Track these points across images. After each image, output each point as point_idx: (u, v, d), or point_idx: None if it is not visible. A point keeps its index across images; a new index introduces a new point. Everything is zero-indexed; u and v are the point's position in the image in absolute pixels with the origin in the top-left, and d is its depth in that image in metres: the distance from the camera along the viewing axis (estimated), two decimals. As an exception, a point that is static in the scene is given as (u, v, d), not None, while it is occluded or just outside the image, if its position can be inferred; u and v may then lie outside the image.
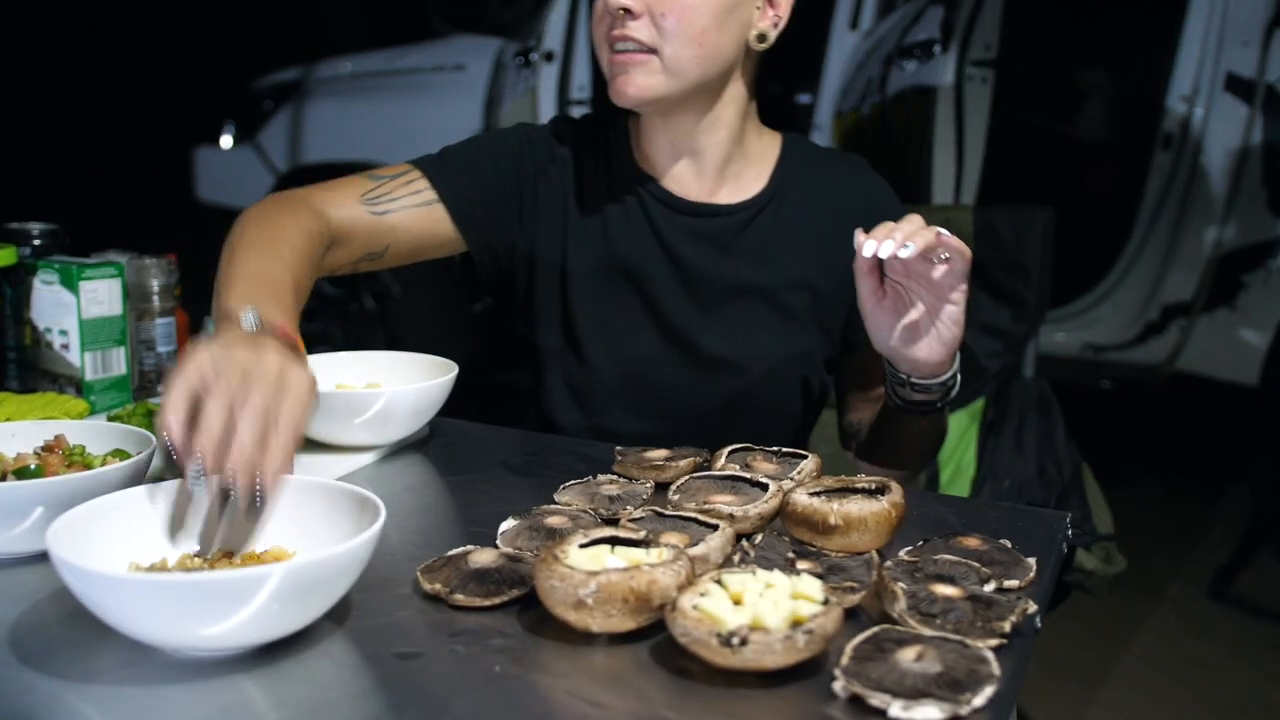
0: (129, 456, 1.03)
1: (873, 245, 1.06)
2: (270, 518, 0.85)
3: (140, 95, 8.64)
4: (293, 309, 1.08)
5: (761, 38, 1.31)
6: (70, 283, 1.41)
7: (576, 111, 3.46)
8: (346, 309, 4.59)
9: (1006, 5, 2.92)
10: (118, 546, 0.85)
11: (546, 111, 3.49)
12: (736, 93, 1.35)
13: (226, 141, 5.13)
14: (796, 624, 0.74)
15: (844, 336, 1.43)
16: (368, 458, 1.24)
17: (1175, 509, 3.78)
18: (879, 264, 1.13)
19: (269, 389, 0.86)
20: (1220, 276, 3.44)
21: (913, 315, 1.15)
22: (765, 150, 1.42)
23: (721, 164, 1.38)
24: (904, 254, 1.04)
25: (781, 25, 1.33)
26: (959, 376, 1.24)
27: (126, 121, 8.50)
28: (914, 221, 1.08)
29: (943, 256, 1.08)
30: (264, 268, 1.10)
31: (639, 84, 1.26)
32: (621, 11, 1.23)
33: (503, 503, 1.10)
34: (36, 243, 1.53)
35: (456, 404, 1.33)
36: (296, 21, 8.44)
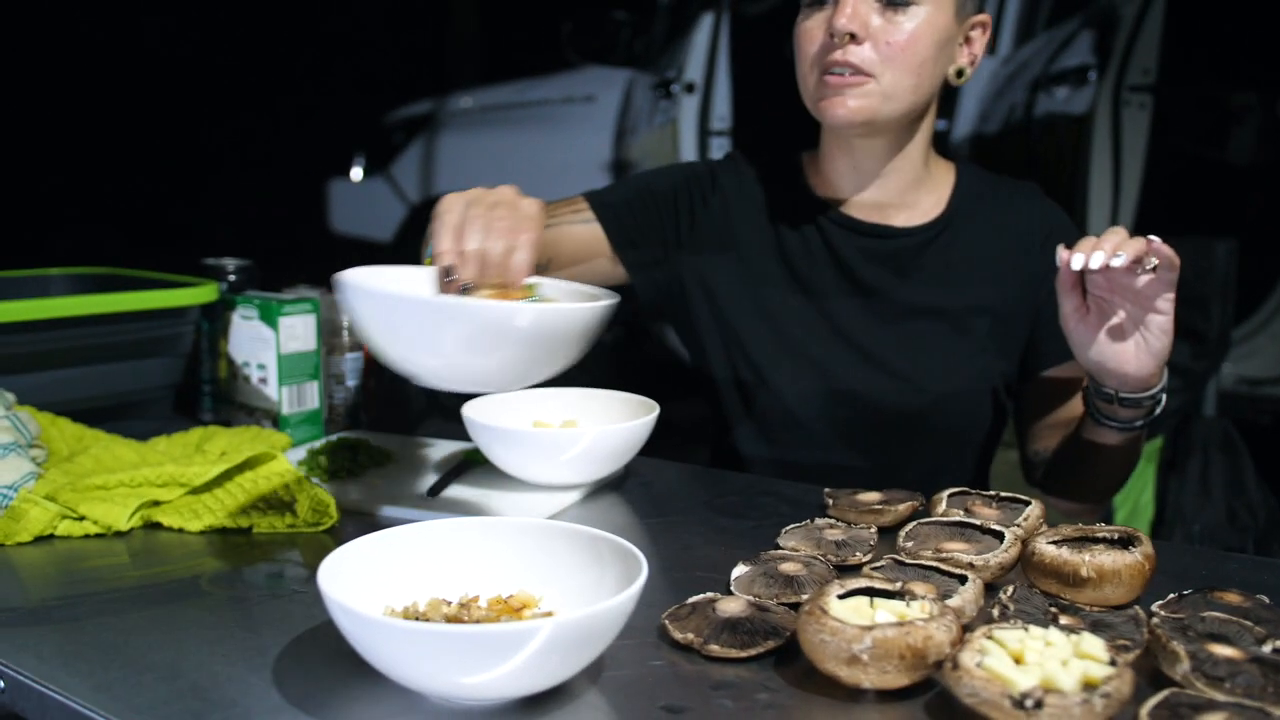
0: None
1: (1081, 258, 1.05)
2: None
3: (274, 130, 8.91)
4: None
5: (960, 74, 1.35)
6: (270, 318, 1.44)
7: (717, 142, 3.46)
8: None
9: (1165, 28, 2.83)
10: (372, 588, 0.85)
11: (687, 142, 3.49)
12: (928, 123, 1.39)
13: (357, 174, 5.25)
14: (1089, 686, 0.70)
15: (1024, 362, 1.41)
16: (572, 496, 1.24)
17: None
18: (1081, 279, 1.12)
19: (508, 212, 1.01)
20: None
21: (1119, 328, 1.13)
22: (941, 176, 1.43)
23: (903, 190, 1.40)
24: (1116, 263, 1.03)
25: (977, 64, 1.36)
26: (1166, 392, 1.21)
27: (263, 154, 8.77)
28: (1119, 233, 1.06)
29: (1150, 266, 1.05)
30: None
31: (853, 107, 1.28)
32: (847, 36, 1.25)
33: (720, 545, 1.08)
34: (232, 278, 1.57)
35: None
36: (425, 55, 8.63)
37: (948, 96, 3.99)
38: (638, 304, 1.50)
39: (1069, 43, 3.05)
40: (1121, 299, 1.10)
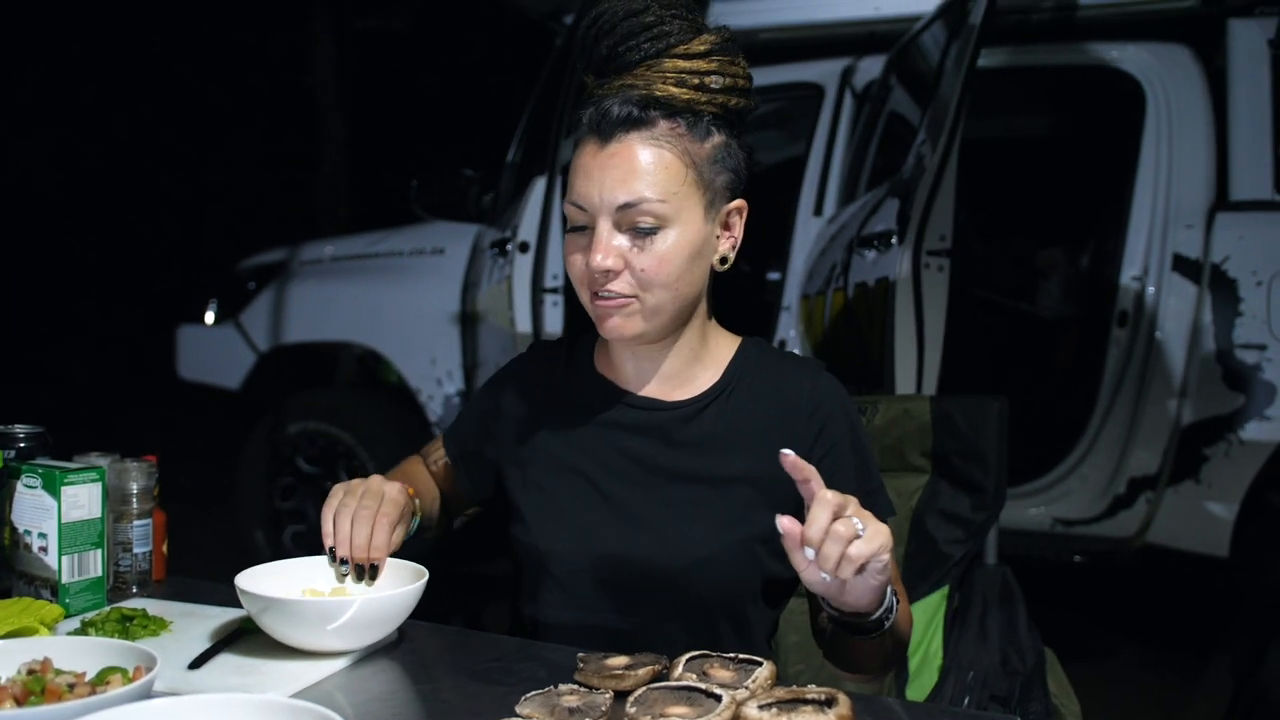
0: (121, 671, 1.06)
1: (810, 553, 1.11)
2: (380, 576, 1.39)
3: (127, 274, 8.82)
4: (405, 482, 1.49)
5: (724, 260, 1.44)
6: (53, 487, 1.45)
7: (550, 299, 3.59)
8: (321, 487, 4.60)
9: (960, 194, 3.05)
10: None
11: (521, 299, 3.61)
12: (702, 307, 1.47)
13: (209, 319, 5.22)
14: None
15: None
16: (340, 663, 1.27)
17: (1157, 682, 3.76)
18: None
19: (372, 501, 1.38)
20: (1183, 450, 3.50)
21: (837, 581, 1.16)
22: (721, 351, 1.51)
23: (679, 368, 1.48)
24: (825, 578, 1.13)
25: (738, 244, 1.44)
26: (894, 603, 1.27)
27: (113, 298, 8.66)
28: (840, 542, 1.11)
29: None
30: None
31: (623, 327, 1.38)
32: (605, 273, 1.35)
33: (469, 714, 1.12)
34: (22, 445, 1.59)
35: (433, 593, 1.38)
36: (284, 207, 8.70)
37: (780, 251, 4.22)
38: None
39: (879, 207, 3.27)
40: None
